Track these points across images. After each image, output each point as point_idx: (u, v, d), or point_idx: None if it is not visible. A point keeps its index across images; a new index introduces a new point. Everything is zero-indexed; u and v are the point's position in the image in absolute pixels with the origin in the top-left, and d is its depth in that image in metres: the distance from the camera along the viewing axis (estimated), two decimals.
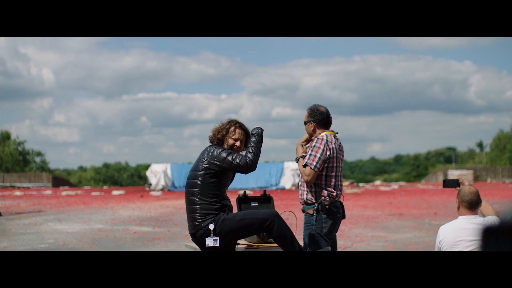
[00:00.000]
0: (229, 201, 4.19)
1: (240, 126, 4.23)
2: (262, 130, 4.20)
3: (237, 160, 4.00)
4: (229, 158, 4.00)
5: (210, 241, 3.96)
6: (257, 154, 4.05)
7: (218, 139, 4.20)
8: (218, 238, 3.94)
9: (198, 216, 4.03)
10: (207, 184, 4.06)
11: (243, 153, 4.13)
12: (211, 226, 3.96)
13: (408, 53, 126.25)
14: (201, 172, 4.08)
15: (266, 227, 3.99)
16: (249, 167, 4.00)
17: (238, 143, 4.18)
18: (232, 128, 4.20)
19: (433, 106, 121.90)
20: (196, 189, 4.08)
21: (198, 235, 4.04)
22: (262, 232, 4.11)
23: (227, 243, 4.05)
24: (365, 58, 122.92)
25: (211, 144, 4.24)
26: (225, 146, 4.17)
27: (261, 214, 4.04)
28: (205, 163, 4.08)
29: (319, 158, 4.11)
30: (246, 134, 4.23)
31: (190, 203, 4.11)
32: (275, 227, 3.98)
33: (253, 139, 4.13)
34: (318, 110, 4.28)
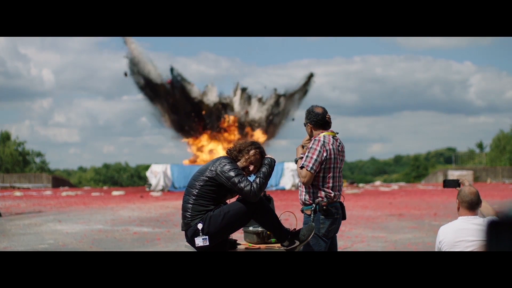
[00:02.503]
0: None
1: (261, 153, 4.25)
2: (274, 162, 4.22)
3: (242, 185, 3.99)
4: (236, 180, 4.00)
5: (199, 241, 3.99)
6: (263, 186, 4.05)
7: (235, 155, 4.23)
8: (207, 237, 3.97)
9: (188, 214, 4.09)
10: (207, 190, 4.09)
11: (251, 179, 4.15)
12: (200, 226, 3.99)
13: (408, 53, 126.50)
14: (204, 178, 4.11)
15: (253, 217, 4.07)
16: (251, 195, 3.99)
17: (251, 167, 4.20)
18: (253, 152, 4.21)
19: (433, 107, 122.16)
20: (194, 191, 4.12)
21: (188, 234, 4.09)
22: (250, 220, 4.15)
23: (220, 239, 4.08)
24: (365, 58, 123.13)
25: (227, 155, 4.26)
26: (239, 164, 4.18)
27: (245, 203, 4.06)
28: (213, 172, 4.09)
29: (315, 160, 4.10)
30: (262, 160, 4.24)
31: (185, 202, 4.16)
32: (261, 215, 4.06)
33: (263, 169, 4.14)
34: (314, 112, 4.26)
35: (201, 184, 4.09)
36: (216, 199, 4.10)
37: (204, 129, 41.48)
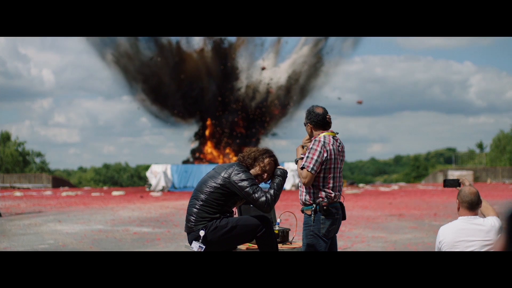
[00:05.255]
0: (232, 215, 4.17)
1: (275, 161, 4.23)
2: (287, 173, 4.22)
3: (256, 196, 3.95)
4: (249, 190, 3.96)
5: (195, 246, 3.96)
6: (277, 197, 4.03)
7: (249, 163, 4.18)
8: (204, 246, 3.94)
9: (192, 219, 4.05)
10: (215, 197, 4.04)
11: (265, 187, 4.12)
12: (202, 233, 3.95)
13: (408, 53, 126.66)
14: (215, 184, 4.05)
15: (259, 235, 4.01)
16: (265, 207, 3.97)
17: (265, 175, 4.18)
18: (267, 160, 4.19)
19: (433, 107, 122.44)
20: (202, 195, 4.06)
21: (190, 238, 4.08)
22: (254, 239, 4.10)
23: (218, 250, 4.02)
24: (365, 58, 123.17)
25: (239, 162, 4.21)
26: (252, 172, 4.15)
27: (253, 221, 4.02)
28: (226, 179, 4.04)
29: (316, 160, 4.08)
30: (275, 168, 4.23)
31: (191, 205, 4.11)
32: (266, 235, 4.02)
33: (277, 181, 4.11)
34: (314, 112, 4.25)
35: (211, 190, 4.03)
36: (223, 207, 4.05)
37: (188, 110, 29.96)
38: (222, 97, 30.82)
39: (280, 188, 4.07)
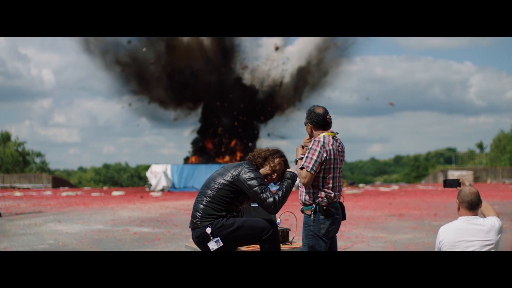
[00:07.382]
0: (238, 215, 4.16)
1: (285, 161, 4.22)
2: (296, 176, 4.20)
3: (264, 196, 3.94)
4: (258, 190, 3.95)
5: (212, 245, 3.93)
6: (284, 199, 4.03)
7: (260, 162, 4.17)
8: (219, 238, 3.92)
9: (198, 215, 4.03)
10: (223, 194, 4.03)
11: (274, 188, 4.10)
12: (208, 230, 3.93)
13: (408, 53, 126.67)
14: (224, 181, 4.04)
15: (263, 238, 4.00)
16: (272, 208, 3.96)
17: (274, 176, 4.17)
18: (277, 160, 4.18)
19: (433, 107, 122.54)
20: (210, 192, 4.05)
21: (194, 234, 4.05)
22: (258, 242, 4.09)
23: (222, 249, 4.01)
24: (365, 58, 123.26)
25: (250, 162, 4.19)
26: (262, 171, 4.14)
27: (260, 223, 4.01)
28: (235, 176, 4.03)
29: (315, 161, 4.08)
30: (285, 169, 4.22)
31: (198, 200, 4.09)
32: (271, 238, 4.01)
33: (286, 183, 4.11)
34: (315, 112, 4.24)
35: (219, 187, 4.02)
36: (230, 205, 4.04)
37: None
38: (222, 88, 27.69)
39: (288, 191, 4.07)
